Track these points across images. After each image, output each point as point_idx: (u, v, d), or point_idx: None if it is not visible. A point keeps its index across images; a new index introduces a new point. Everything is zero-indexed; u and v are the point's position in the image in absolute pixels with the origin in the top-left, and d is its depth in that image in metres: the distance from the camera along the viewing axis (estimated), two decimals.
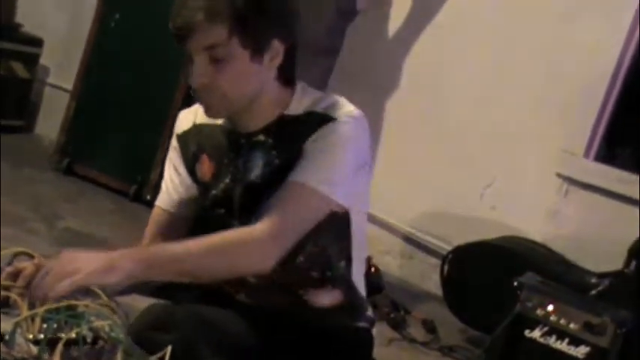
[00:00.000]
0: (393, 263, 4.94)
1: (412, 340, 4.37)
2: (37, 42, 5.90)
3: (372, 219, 4.82)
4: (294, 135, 2.59)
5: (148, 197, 4.53)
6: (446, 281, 4.51)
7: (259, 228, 2.48)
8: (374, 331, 2.84)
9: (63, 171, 5.31)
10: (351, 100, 2.64)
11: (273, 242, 2.49)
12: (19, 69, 5.81)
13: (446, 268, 4.51)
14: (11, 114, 5.87)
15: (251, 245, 2.50)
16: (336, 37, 4.78)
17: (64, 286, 2.26)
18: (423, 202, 5.05)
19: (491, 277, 4.31)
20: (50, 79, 5.94)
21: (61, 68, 5.73)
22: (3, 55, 5.70)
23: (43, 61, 5.94)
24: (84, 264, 2.31)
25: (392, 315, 4.47)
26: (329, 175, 2.56)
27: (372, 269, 4.48)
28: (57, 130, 5.45)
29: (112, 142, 5.24)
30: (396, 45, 5.15)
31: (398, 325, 4.42)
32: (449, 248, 4.59)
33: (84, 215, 4.74)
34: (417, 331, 4.43)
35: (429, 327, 4.46)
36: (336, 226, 2.63)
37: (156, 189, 2.94)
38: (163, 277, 2.44)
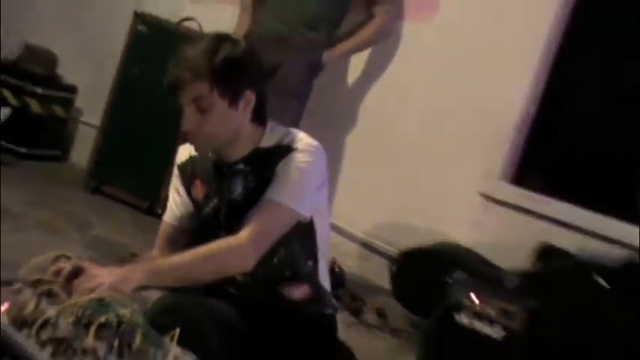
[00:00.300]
0: (352, 264, 4.93)
1: (368, 325, 4.38)
2: (73, 89, 5.90)
3: (336, 228, 4.84)
4: (266, 163, 2.63)
5: (159, 211, 4.54)
6: (394, 278, 4.52)
7: (241, 236, 2.53)
8: (337, 316, 2.86)
9: (92, 191, 5.31)
10: (318, 136, 2.67)
11: (252, 247, 2.53)
12: (58, 110, 5.81)
13: (394, 267, 4.53)
14: (51, 146, 5.89)
15: (234, 251, 2.54)
16: (306, 86, 4.80)
17: (90, 299, 2.32)
18: (376, 215, 5.08)
19: (429, 274, 4.30)
20: (82, 118, 5.94)
21: (91, 109, 5.72)
22: (45, 100, 5.70)
23: (77, 104, 5.93)
24: (105, 278, 2.36)
25: (352, 305, 4.48)
26: (295, 193, 2.60)
27: (336, 268, 4.48)
28: (87, 158, 5.46)
29: (131, 167, 5.27)
30: (353, 91, 5.18)
31: (356, 313, 4.43)
32: (396, 251, 4.62)
33: (109, 225, 4.76)
34: (371, 317, 4.43)
35: (381, 314, 4.47)
36: (302, 234, 2.67)
37: (165, 204, 2.97)
38: (166, 283, 2.49)
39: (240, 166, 2.66)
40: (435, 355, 3.82)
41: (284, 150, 2.62)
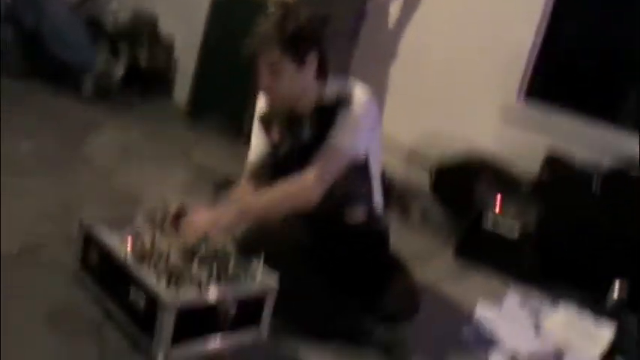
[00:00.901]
0: (398, 167, 4.84)
1: (412, 225, 4.34)
2: (171, 44, 5.91)
3: (387, 138, 4.77)
4: (328, 113, 2.65)
5: (242, 138, 4.47)
6: (434, 184, 4.50)
7: (308, 177, 2.57)
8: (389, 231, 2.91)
9: (190, 124, 5.33)
10: (368, 67, 2.65)
11: (318, 185, 2.57)
12: (161, 61, 5.84)
13: (433, 176, 4.50)
14: (159, 87, 5.88)
15: (304, 190, 2.57)
16: (356, 29, 4.80)
17: (192, 238, 2.31)
18: (419, 126, 4.97)
19: (460, 182, 4.29)
20: (179, 65, 5.91)
21: (186, 59, 5.68)
22: (151, 53, 5.75)
23: (175, 55, 5.95)
24: (201, 223, 2.42)
25: (399, 207, 4.42)
26: (351, 139, 2.62)
27: (385, 179, 4.42)
28: (186, 95, 5.48)
29: (220, 102, 5.26)
30: (394, 31, 5.07)
31: (403, 214, 4.40)
32: (436, 155, 4.60)
33: (204, 153, 4.74)
34: (415, 218, 4.39)
35: (424, 215, 4.42)
36: (359, 168, 2.71)
37: (247, 133, 3.02)
38: (251, 221, 2.52)
39: (308, 116, 2.67)
40: (466, 253, 3.84)
41: (343, 102, 2.63)
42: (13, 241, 2.74)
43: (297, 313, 2.58)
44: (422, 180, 4.67)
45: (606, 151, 4.11)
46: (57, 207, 3.22)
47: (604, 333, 2.93)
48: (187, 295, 2.18)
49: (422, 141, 4.96)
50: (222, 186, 3.94)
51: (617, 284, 3.31)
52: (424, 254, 3.81)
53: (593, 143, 4.21)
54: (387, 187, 4.26)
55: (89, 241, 2.47)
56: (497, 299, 3.37)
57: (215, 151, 4.85)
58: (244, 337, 2.39)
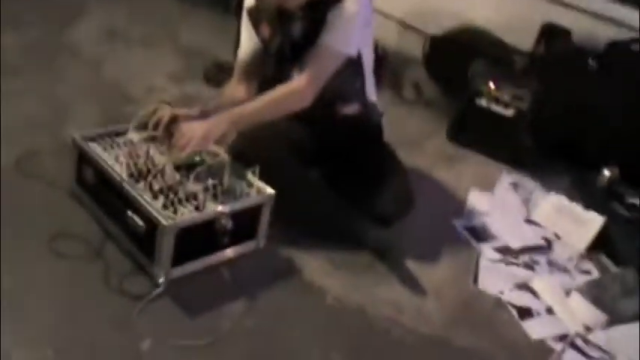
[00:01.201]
0: (392, 41, 4.75)
1: (405, 100, 4.34)
2: None
3: (378, 10, 4.68)
4: (319, 11, 2.63)
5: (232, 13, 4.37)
6: (427, 58, 4.48)
7: (299, 80, 2.62)
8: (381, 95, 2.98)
9: None
10: None
11: (310, 88, 2.61)
12: None
13: (427, 50, 4.47)
14: None
15: (296, 94, 2.61)
16: None
17: (186, 152, 2.33)
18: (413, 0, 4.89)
19: (454, 57, 4.27)
20: None
21: None
22: None
23: None
24: (194, 134, 2.42)
25: (392, 80, 4.36)
26: (344, 36, 2.64)
27: (379, 50, 4.36)
28: None
29: None
30: None
31: (396, 87, 4.37)
32: (428, 29, 4.53)
33: (193, 31, 4.66)
34: (408, 92, 4.39)
35: (417, 88, 4.41)
36: (352, 66, 2.71)
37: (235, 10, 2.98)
38: (246, 127, 2.51)
39: (299, 13, 2.67)
40: (461, 131, 3.88)
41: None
42: (8, 152, 2.77)
43: (293, 215, 2.65)
44: (416, 54, 4.60)
45: (607, 25, 4.08)
46: (48, 109, 3.23)
47: (593, 223, 3.02)
48: (185, 214, 2.24)
49: (416, 16, 4.84)
50: (214, 74, 3.96)
51: (606, 171, 3.38)
52: (417, 136, 3.85)
53: (593, 16, 4.16)
54: (381, 59, 4.26)
55: (83, 159, 2.50)
56: (489, 184, 3.45)
57: (204, 28, 4.75)
58: (242, 249, 2.49)
